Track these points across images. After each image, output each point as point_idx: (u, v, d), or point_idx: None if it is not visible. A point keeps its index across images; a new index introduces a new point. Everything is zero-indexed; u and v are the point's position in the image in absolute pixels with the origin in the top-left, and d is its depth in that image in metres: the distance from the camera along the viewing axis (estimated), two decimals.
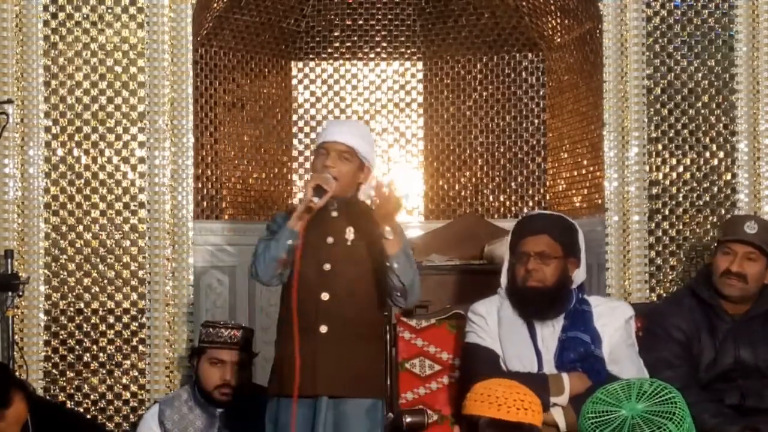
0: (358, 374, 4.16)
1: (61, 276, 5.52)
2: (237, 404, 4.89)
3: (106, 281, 5.54)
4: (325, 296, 4.09)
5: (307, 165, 6.99)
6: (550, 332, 4.32)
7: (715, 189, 5.78)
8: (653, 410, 3.17)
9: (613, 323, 4.37)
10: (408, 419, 4.49)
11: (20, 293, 5.31)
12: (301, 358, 4.03)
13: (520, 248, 4.36)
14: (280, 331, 4.19)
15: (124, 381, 5.55)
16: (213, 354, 4.86)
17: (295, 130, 7.00)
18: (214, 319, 5.06)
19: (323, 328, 4.07)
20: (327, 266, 4.12)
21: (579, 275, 4.41)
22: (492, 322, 4.35)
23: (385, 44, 7.08)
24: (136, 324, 5.55)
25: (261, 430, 4.81)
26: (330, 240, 4.11)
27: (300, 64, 7.04)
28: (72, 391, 5.52)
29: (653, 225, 5.74)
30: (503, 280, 4.44)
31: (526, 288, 4.31)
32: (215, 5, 6.26)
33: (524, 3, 6.64)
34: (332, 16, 7.00)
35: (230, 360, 4.84)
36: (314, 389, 4.06)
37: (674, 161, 5.77)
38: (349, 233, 4.15)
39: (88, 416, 5.47)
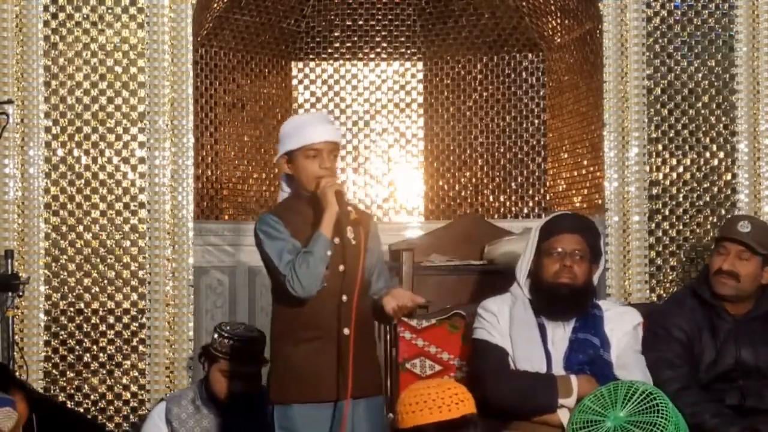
0: (375, 373, 4.21)
1: (62, 276, 5.52)
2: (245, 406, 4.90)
3: (106, 281, 5.54)
4: (344, 298, 4.07)
5: None
6: (561, 334, 4.31)
7: (715, 189, 5.78)
8: (635, 420, 3.15)
9: (621, 328, 4.36)
10: None
11: (20, 293, 5.31)
12: (332, 362, 4.02)
13: (552, 245, 4.34)
14: (291, 337, 4.10)
15: (124, 381, 5.55)
16: (224, 366, 4.84)
17: None
18: (227, 324, 5.00)
19: (346, 331, 4.04)
20: (341, 267, 4.09)
21: (595, 279, 4.43)
22: (503, 320, 4.34)
23: (385, 44, 7.08)
24: (136, 324, 5.55)
25: (267, 427, 4.82)
26: (336, 241, 4.08)
27: (300, 65, 7.04)
28: (72, 391, 5.52)
29: (653, 225, 5.74)
30: (521, 276, 4.42)
31: (557, 284, 4.29)
32: (215, 5, 6.26)
33: (524, 3, 6.64)
34: (332, 17, 7.00)
35: (242, 373, 4.83)
36: (345, 392, 4.03)
37: (674, 161, 5.77)
38: (350, 233, 4.13)
39: (89, 416, 5.47)
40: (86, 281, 5.53)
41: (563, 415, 4.17)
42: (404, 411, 3.41)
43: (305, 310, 4.04)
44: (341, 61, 7.07)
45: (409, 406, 3.40)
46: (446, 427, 3.38)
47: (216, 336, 4.90)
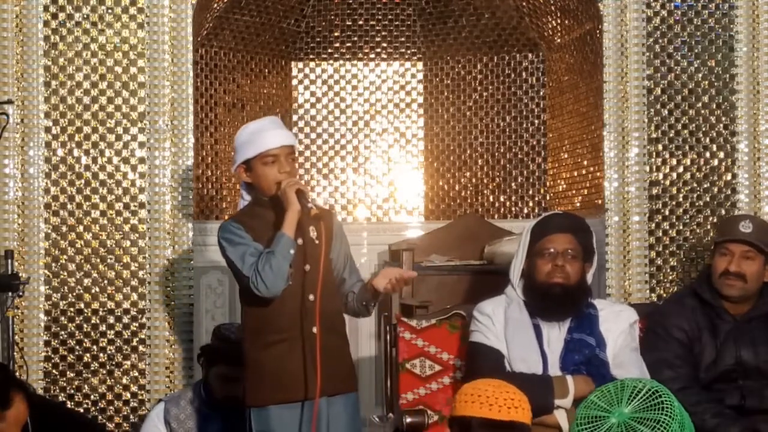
0: (348, 370, 4.21)
1: (62, 276, 5.52)
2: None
3: (106, 281, 5.54)
4: (311, 297, 4.07)
5: (307, 165, 6.99)
6: (556, 334, 4.31)
7: (715, 189, 5.78)
8: (639, 417, 3.16)
9: (618, 327, 4.36)
10: (408, 419, 4.49)
11: (20, 293, 5.31)
12: (303, 361, 4.02)
13: (544, 245, 4.33)
14: (262, 340, 4.11)
15: (124, 381, 5.55)
16: (224, 371, 4.84)
17: (295, 130, 6.99)
18: (226, 327, 4.99)
19: (315, 329, 4.05)
20: (307, 267, 4.09)
21: (589, 278, 4.42)
22: (498, 322, 4.34)
23: (385, 44, 7.07)
24: (136, 324, 5.55)
25: None
26: (300, 241, 4.09)
27: (300, 65, 7.04)
28: (72, 391, 5.52)
29: (653, 225, 5.74)
30: (515, 277, 4.41)
31: (550, 284, 4.28)
32: (215, 5, 6.26)
33: (524, 3, 6.64)
34: (332, 17, 7.00)
35: (242, 376, 4.82)
36: (319, 391, 4.04)
37: (674, 162, 5.77)
38: (313, 232, 4.13)
39: (89, 416, 5.47)
40: (86, 281, 5.53)
41: (560, 416, 4.17)
42: (459, 399, 3.46)
43: (273, 312, 4.06)
44: (341, 61, 7.07)
45: (464, 395, 3.46)
46: (489, 425, 3.40)
47: (215, 339, 4.89)
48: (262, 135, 4.12)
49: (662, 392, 3.20)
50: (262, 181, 4.12)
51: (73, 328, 5.52)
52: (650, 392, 3.21)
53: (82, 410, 5.48)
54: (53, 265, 5.52)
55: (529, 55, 6.87)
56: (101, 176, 5.56)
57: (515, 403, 3.45)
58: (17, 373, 5.23)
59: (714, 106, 5.78)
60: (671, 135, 5.77)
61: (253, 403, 4.10)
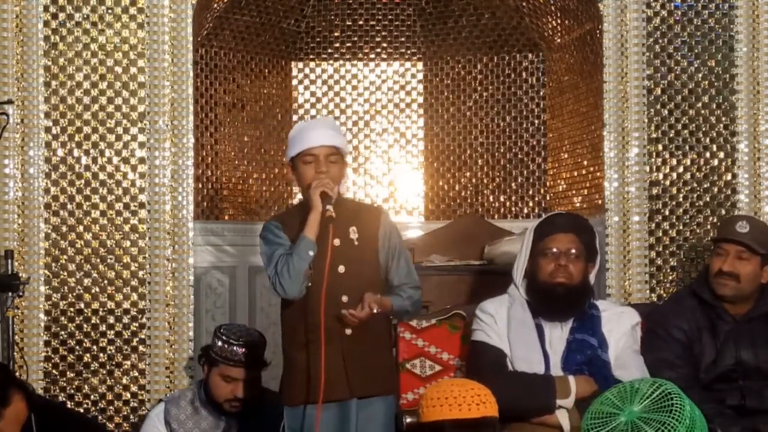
0: (383, 372, 4.23)
1: (62, 276, 5.52)
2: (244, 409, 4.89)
3: (106, 282, 5.54)
4: (345, 299, 4.08)
5: None
6: (558, 334, 4.31)
7: (716, 189, 5.78)
8: (647, 417, 3.17)
9: (620, 329, 4.36)
10: (408, 419, 4.49)
11: (20, 294, 5.31)
12: (332, 362, 4.03)
13: (547, 244, 4.34)
14: (296, 340, 4.14)
15: (124, 381, 5.55)
16: (225, 371, 4.83)
17: None
18: (227, 327, 4.99)
19: (348, 331, 4.06)
20: (342, 269, 4.10)
21: (592, 278, 4.42)
22: (501, 321, 4.34)
23: (385, 45, 7.07)
24: (137, 324, 5.55)
25: (266, 429, 4.82)
26: (337, 242, 4.09)
27: (300, 65, 7.04)
28: (72, 391, 5.52)
29: (653, 225, 5.74)
30: (518, 277, 4.41)
31: (553, 284, 4.29)
32: (215, 5, 6.26)
33: (524, 3, 6.64)
34: (332, 17, 7.00)
35: (242, 377, 4.83)
36: (349, 392, 4.05)
37: (674, 162, 5.77)
38: (353, 233, 4.14)
39: (89, 416, 5.47)
40: (86, 281, 5.53)
41: (562, 416, 4.18)
42: (426, 405, 3.46)
43: (306, 313, 4.07)
44: (341, 61, 7.07)
45: (431, 400, 3.46)
46: (463, 425, 3.41)
47: (216, 340, 4.89)
48: (305, 133, 4.16)
49: (675, 395, 3.21)
50: (301, 180, 4.17)
51: (73, 328, 5.52)
52: (663, 394, 3.22)
53: (82, 410, 5.48)
54: (53, 265, 5.52)
55: (529, 55, 6.87)
56: (101, 176, 5.56)
57: (482, 398, 3.46)
58: (17, 373, 5.23)
59: (714, 106, 5.78)
60: (671, 135, 5.77)
61: (288, 403, 4.15)
